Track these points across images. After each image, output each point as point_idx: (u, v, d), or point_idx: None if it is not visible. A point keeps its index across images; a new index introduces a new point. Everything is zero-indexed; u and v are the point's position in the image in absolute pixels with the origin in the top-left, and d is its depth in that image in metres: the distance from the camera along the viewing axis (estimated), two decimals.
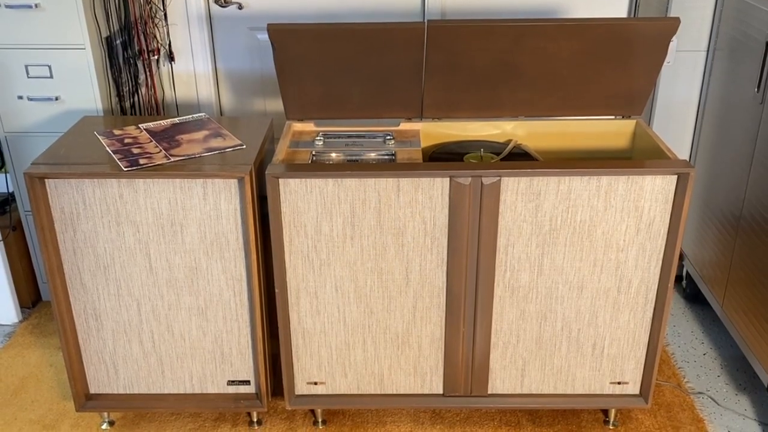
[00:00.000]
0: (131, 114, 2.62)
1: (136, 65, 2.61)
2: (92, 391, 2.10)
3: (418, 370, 2.05)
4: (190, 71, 2.83)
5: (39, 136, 2.45)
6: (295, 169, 1.83)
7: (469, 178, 1.79)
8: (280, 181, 1.80)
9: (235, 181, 1.82)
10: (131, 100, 2.61)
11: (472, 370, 2.05)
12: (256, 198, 1.86)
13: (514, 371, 2.06)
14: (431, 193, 1.81)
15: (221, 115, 2.98)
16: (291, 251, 1.89)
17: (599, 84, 2.05)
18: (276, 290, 1.92)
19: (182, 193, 1.83)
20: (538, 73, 2.02)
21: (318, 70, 2.01)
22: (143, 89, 2.69)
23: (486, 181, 1.79)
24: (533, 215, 1.84)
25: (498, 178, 1.79)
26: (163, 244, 1.89)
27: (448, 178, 1.80)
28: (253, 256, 1.89)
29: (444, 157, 2.09)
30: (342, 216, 1.84)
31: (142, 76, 2.67)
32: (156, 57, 2.74)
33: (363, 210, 1.84)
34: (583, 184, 1.80)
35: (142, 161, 1.84)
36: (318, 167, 1.84)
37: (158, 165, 1.82)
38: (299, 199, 1.82)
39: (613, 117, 2.16)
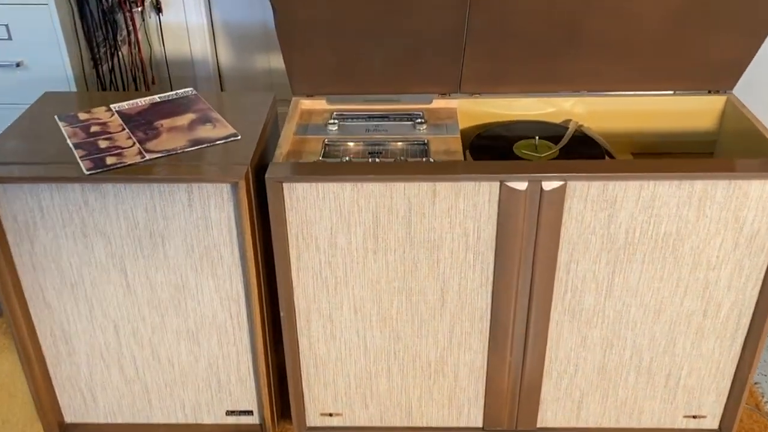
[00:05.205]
0: (111, 79, 2.22)
1: (114, 20, 2.20)
2: (68, 420, 1.78)
3: (454, 401, 1.71)
4: (182, 23, 2.44)
5: (1, 108, 2.07)
6: (303, 170, 1.44)
7: (526, 182, 1.40)
8: (285, 185, 1.42)
9: (228, 185, 1.44)
10: (110, 62, 2.21)
11: (519, 402, 1.70)
12: (254, 203, 1.48)
13: (569, 403, 1.71)
14: (476, 200, 1.43)
15: (219, 74, 2.58)
16: (299, 267, 1.52)
17: (685, 51, 1.63)
18: (281, 313, 1.57)
19: (161, 199, 1.45)
20: (609, 38, 1.60)
21: (330, 35, 1.60)
22: (125, 48, 2.28)
23: (547, 186, 1.40)
24: (604, 227, 1.46)
25: (563, 182, 1.40)
26: (141, 258, 1.53)
27: (498, 182, 1.41)
28: (252, 273, 1.53)
29: (488, 145, 1.69)
30: (363, 226, 1.47)
31: (123, 33, 2.27)
32: (140, 8, 2.33)
33: (389, 219, 1.46)
34: (672, 190, 1.41)
35: (109, 160, 1.45)
36: (332, 168, 1.45)
37: (129, 166, 1.44)
38: (309, 207, 1.45)
39: (697, 92, 1.75)
